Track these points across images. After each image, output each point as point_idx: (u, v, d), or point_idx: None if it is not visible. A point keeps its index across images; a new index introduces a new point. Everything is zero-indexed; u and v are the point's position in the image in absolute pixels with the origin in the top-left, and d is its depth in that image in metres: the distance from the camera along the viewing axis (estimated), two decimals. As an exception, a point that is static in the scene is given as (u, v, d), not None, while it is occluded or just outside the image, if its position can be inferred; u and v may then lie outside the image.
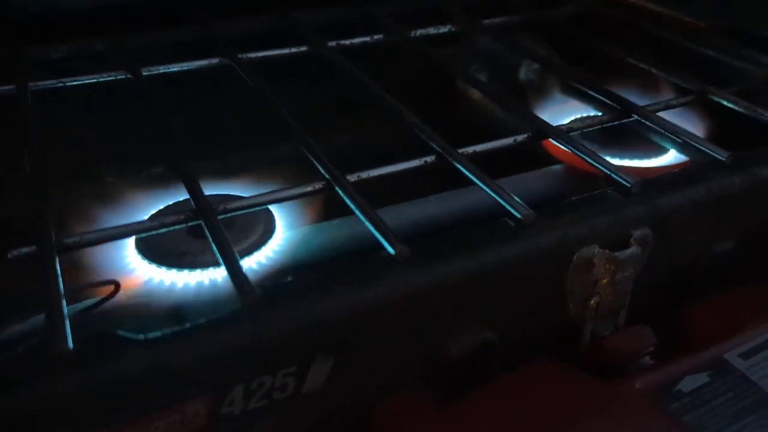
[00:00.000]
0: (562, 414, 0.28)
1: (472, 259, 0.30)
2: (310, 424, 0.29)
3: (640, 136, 0.46)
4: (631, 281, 0.33)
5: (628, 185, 0.34)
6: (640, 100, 0.46)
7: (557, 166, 0.49)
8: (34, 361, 0.24)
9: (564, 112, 0.52)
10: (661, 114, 0.43)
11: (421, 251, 0.30)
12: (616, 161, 0.47)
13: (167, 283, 0.36)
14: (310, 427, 0.30)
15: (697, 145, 0.38)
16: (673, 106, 0.44)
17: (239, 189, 0.41)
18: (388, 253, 0.29)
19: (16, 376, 0.23)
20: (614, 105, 0.43)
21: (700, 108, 0.46)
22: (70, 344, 0.24)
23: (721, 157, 0.37)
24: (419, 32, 0.54)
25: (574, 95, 0.51)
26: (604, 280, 0.33)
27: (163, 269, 0.36)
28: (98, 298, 0.32)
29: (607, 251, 0.32)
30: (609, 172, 0.35)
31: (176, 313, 0.37)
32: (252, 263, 0.37)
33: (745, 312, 0.34)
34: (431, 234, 0.33)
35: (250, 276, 0.35)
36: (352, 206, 0.33)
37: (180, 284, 0.35)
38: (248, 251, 0.38)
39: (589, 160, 0.36)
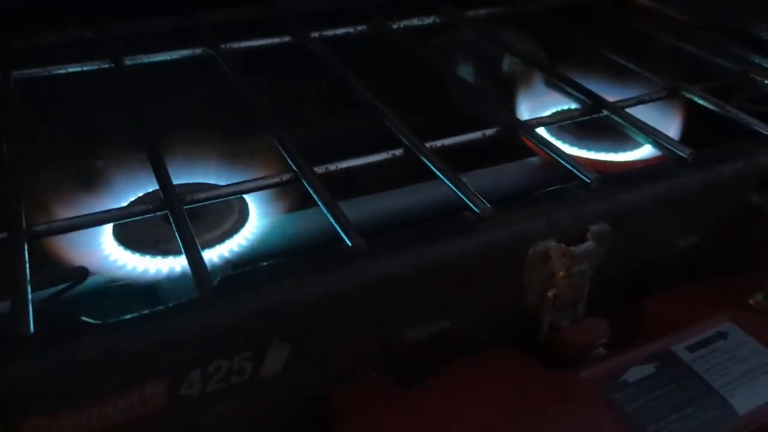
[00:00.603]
0: (509, 401, 0.29)
1: (427, 251, 0.31)
2: (269, 407, 0.31)
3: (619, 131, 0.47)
4: (588, 275, 0.34)
5: (588, 181, 0.35)
6: (617, 94, 0.47)
7: (534, 158, 0.50)
8: (-4, 343, 0.25)
9: (545, 105, 0.53)
10: (636, 108, 0.44)
11: (378, 243, 0.31)
12: (591, 154, 0.48)
13: (140, 268, 0.37)
14: (269, 411, 0.31)
15: (661, 142, 0.39)
16: (645, 101, 0.45)
17: (214, 177, 0.42)
18: (346, 244, 0.30)
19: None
20: (586, 100, 0.44)
21: (676, 104, 0.47)
22: (32, 328, 0.25)
23: (683, 155, 0.37)
24: (403, 23, 0.55)
25: (554, 88, 0.52)
26: (561, 273, 0.33)
27: (137, 255, 0.38)
28: (65, 284, 0.33)
29: (563, 245, 0.33)
30: (570, 167, 0.36)
31: (149, 298, 0.38)
32: (224, 251, 0.39)
33: (698, 306, 0.35)
34: (397, 226, 0.34)
35: (218, 264, 0.37)
36: (316, 197, 0.34)
37: (153, 270, 0.37)
38: (221, 239, 0.39)
39: (552, 154, 0.37)
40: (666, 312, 0.34)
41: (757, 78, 0.46)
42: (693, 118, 0.47)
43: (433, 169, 0.36)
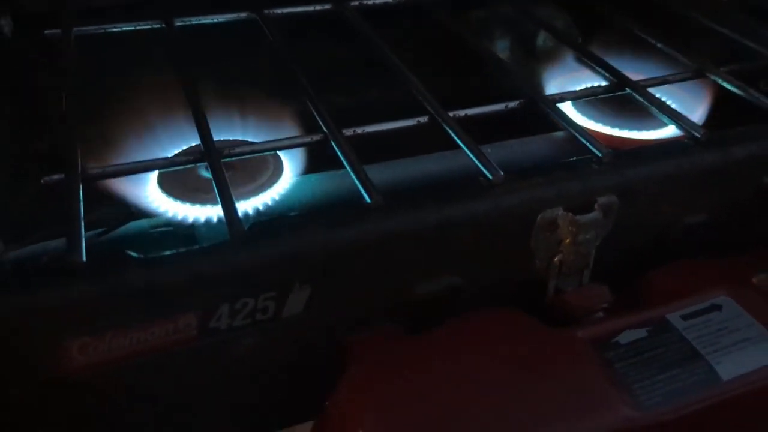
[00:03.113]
0: (507, 354, 0.32)
1: (440, 211, 0.33)
2: (288, 345, 0.34)
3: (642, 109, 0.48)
4: (594, 243, 0.36)
5: (600, 155, 0.37)
6: (646, 72, 0.48)
7: (559, 133, 0.51)
8: (52, 269, 0.29)
9: (575, 80, 0.54)
10: (665, 88, 0.45)
11: (395, 202, 0.33)
12: (614, 131, 0.50)
13: (180, 215, 0.40)
14: (289, 349, 0.34)
15: (678, 121, 0.40)
16: (670, 81, 0.46)
17: (252, 135, 0.45)
18: (365, 201, 0.33)
19: (37, 280, 0.28)
20: (610, 77, 0.45)
21: (705, 85, 0.48)
22: (83, 258, 0.29)
23: (696, 134, 0.39)
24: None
25: (583, 64, 0.53)
26: (567, 240, 0.36)
27: (178, 202, 0.41)
28: (113, 224, 0.36)
29: (570, 214, 0.35)
30: (584, 141, 0.38)
31: (187, 241, 0.42)
32: (258, 203, 0.42)
33: (700, 280, 0.36)
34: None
35: (251, 214, 0.40)
36: (341, 157, 0.36)
37: (191, 217, 0.40)
38: (255, 192, 0.42)
39: (569, 128, 0.39)
40: (668, 283, 0.36)
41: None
42: (720, 101, 0.48)
43: (454, 136, 0.38)
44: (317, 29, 0.55)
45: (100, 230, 0.36)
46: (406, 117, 0.41)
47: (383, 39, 0.49)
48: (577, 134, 0.39)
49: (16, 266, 0.33)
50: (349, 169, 0.35)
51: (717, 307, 0.34)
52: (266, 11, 0.52)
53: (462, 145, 0.37)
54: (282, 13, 0.52)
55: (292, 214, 0.33)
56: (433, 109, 0.40)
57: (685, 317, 0.34)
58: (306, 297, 0.32)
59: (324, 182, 0.45)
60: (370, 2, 0.55)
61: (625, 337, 0.32)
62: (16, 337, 0.28)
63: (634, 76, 0.50)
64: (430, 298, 0.35)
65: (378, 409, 0.31)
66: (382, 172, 0.37)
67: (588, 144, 0.38)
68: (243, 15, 0.52)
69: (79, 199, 0.32)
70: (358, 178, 0.34)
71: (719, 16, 0.54)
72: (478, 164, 0.36)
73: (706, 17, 0.54)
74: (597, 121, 0.50)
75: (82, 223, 0.31)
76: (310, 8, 0.54)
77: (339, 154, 0.37)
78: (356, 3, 0.54)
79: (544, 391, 0.30)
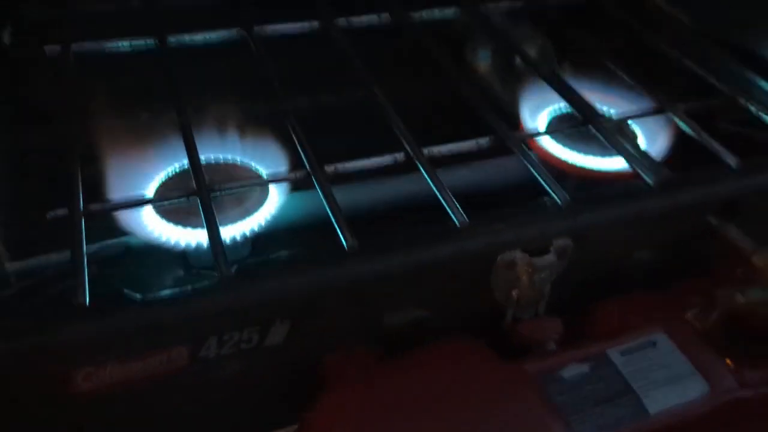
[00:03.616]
0: (459, 384, 0.36)
1: (411, 255, 0.37)
2: (270, 370, 0.38)
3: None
4: (549, 281, 0.40)
5: (559, 202, 0.40)
6: (617, 99, 0.51)
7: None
8: (59, 310, 0.32)
9: (546, 102, 0.57)
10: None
11: (369, 246, 0.37)
12: (581, 157, 0.53)
13: (173, 238, 0.44)
14: (271, 372, 0.38)
15: (633, 163, 0.44)
16: (631, 118, 0.49)
17: (239, 153, 0.48)
18: (342, 245, 0.37)
19: (44, 320, 0.32)
20: (575, 113, 0.49)
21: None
22: (87, 300, 0.32)
23: (649, 181, 0.42)
24: (424, 14, 0.59)
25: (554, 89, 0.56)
26: (524, 278, 0.39)
27: (172, 225, 0.44)
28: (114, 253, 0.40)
29: (527, 256, 0.39)
30: (546, 186, 0.41)
31: (183, 263, 0.45)
32: (246, 228, 0.45)
33: (641, 314, 0.41)
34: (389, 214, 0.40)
35: (240, 240, 0.43)
36: (322, 198, 0.40)
37: (183, 241, 0.43)
38: (242, 215, 0.45)
39: (533, 171, 0.42)
40: (612, 319, 0.40)
41: (743, 103, 0.50)
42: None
43: (426, 177, 0.41)
44: (305, 47, 0.58)
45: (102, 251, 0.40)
46: (385, 145, 0.44)
47: (366, 59, 0.52)
48: (539, 177, 0.42)
49: (24, 298, 0.37)
50: (328, 212, 0.39)
51: (653, 344, 0.38)
52: (256, 28, 0.54)
53: (433, 188, 0.41)
54: (270, 30, 0.55)
55: (274, 256, 0.37)
56: (409, 147, 0.43)
57: (623, 353, 0.38)
58: (286, 329, 0.36)
59: (308, 201, 0.49)
60: (356, 20, 0.57)
61: (569, 372, 0.37)
62: (28, 370, 0.32)
63: (607, 101, 0.53)
64: (400, 328, 0.39)
65: (347, 424, 0.35)
66: (352, 195, 0.41)
67: (549, 189, 0.41)
68: (233, 32, 0.54)
69: (82, 239, 0.35)
70: (336, 223, 0.37)
71: (687, 48, 0.57)
72: (447, 209, 0.39)
73: (674, 49, 0.57)
74: (564, 146, 0.53)
75: (85, 265, 0.34)
76: (298, 25, 0.56)
77: (320, 192, 0.40)
78: (344, 21, 0.56)
79: (491, 419, 0.35)
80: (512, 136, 0.45)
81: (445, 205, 0.39)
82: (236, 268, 0.35)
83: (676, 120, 0.48)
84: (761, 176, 0.44)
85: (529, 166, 0.43)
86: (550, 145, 0.52)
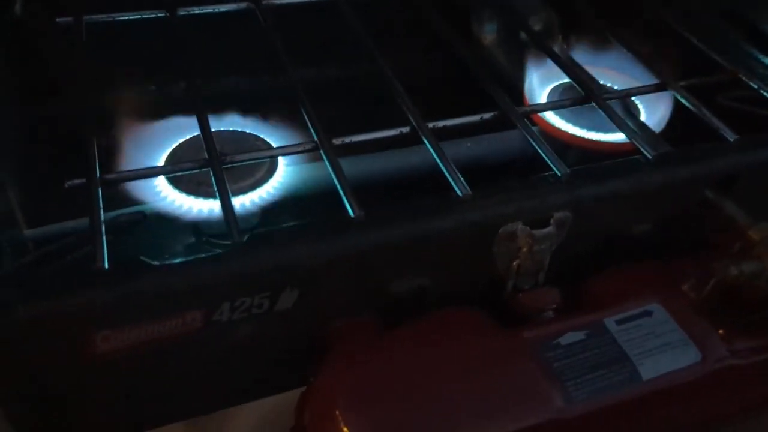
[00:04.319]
0: (459, 351, 0.38)
1: (414, 226, 0.38)
2: (280, 333, 0.39)
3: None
4: (548, 252, 0.42)
5: (559, 174, 0.41)
6: (622, 73, 0.52)
7: (534, 128, 0.56)
8: (79, 275, 0.34)
9: (552, 75, 0.58)
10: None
11: (374, 217, 0.38)
12: (584, 132, 0.54)
13: (186, 207, 0.45)
14: (280, 336, 0.40)
15: (634, 138, 0.45)
16: (633, 95, 0.50)
17: (249, 126, 0.49)
18: (349, 215, 0.38)
19: (65, 285, 0.33)
20: (578, 87, 0.49)
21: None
22: (106, 265, 0.34)
23: (647, 155, 0.43)
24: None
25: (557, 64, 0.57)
26: (524, 249, 0.41)
27: (185, 195, 0.46)
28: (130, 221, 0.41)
29: (528, 228, 0.40)
30: (546, 160, 0.42)
31: (195, 230, 0.47)
32: (256, 197, 0.46)
33: (638, 285, 0.42)
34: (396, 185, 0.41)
35: (251, 209, 0.44)
36: (330, 169, 0.41)
37: (196, 209, 0.45)
38: (254, 186, 0.47)
39: (534, 144, 0.43)
40: (609, 289, 0.42)
41: (744, 79, 0.51)
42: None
43: (431, 150, 0.42)
44: (313, 19, 0.58)
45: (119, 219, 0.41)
46: (392, 117, 0.45)
47: (374, 32, 0.52)
48: (539, 149, 0.43)
49: (43, 264, 0.38)
50: (336, 183, 0.40)
51: (648, 313, 0.40)
52: (264, 2, 0.55)
53: (437, 160, 0.42)
54: (278, 3, 0.56)
55: (284, 225, 0.38)
56: (414, 121, 0.44)
57: (619, 322, 0.39)
58: (296, 296, 0.38)
59: (317, 172, 0.50)
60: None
61: (566, 339, 0.38)
62: (50, 333, 0.34)
63: (610, 75, 0.54)
64: (403, 296, 0.40)
65: (352, 387, 0.37)
66: (360, 166, 0.42)
67: (549, 162, 0.42)
68: (243, 5, 0.55)
69: (99, 206, 0.37)
70: (344, 194, 0.39)
71: (691, 22, 0.57)
72: (450, 180, 0.40)
73: (679, 23, 0.57)
74: (568, 121, 0.54)
75: (103, 228, 0.36)
76: (306, -2, 0.57)
77: (327, 164, 0.41)
78: (350, -6, 0.57)
79: (490, 385, 0.36)
80: (515, 111, 0.46)
81: (448, 177, 0.41)
82: (248, 237, 0.36)
83: (677, 96, 0.49)
84: (758, 151, 0.45)
85: (531, 139, 0.44)
86: (553, 118, 0.53)
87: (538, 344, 0.38)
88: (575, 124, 0.54)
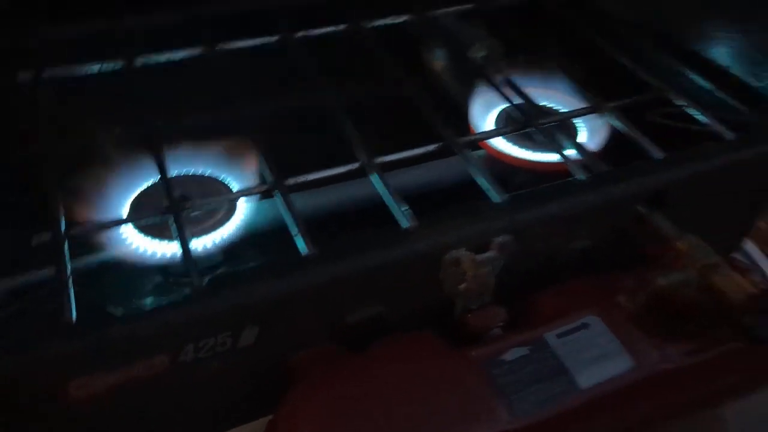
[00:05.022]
0: (414, 372, 0.40)
1: (363, 259, 0.41)
2: (244, 369, 0.42)
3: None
4: (492, 274, 0.45)
5: (498, 201, 0.44)
6: (561, 95, 0.55)
7: (481, 152, 0.59)
8: (49, 328, 0.36)
9: (496, 101, 0.61)
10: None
11: (327, 252, 0.41)
12: (528, 153, 0.57)
13: (150, 251, 0.47)
14: (244, 371, 0.42)
15: (569, 162, 0.48)
16: (569, 118, 0.53)
17: (209, 167, 0.52)
18: (302, 252, 0.41)
19: (36, 339, 0.35)
20: (517, 115, 0.53)
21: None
22: (74, 317, 0.36)
23: (582, 177, 0.46)
24: (378, 22, 0.63)
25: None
26: (469, 274, 0.44)
27: (149, 238, 0.48)
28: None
29: (471, 254, 0.43)
30: (485, 187, 0.45)
31: (161, 271, 0.49)
32: (218, 237, 0.49)
33: (577, 300, 0.45)
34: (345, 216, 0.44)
35: (212, 249, 0.47)
36: (281, 209, 0.44)
37: (159, 253, 0.47)
38: (215, 226, 0.49)
39: (475, 173, 0.47)
40: (550, 303, 0.45)
41: (672, 98, 0.54)
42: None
43: (377, 184, 0.45)
44: (267, 61, 0.61)
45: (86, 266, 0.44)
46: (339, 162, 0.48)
47: (326, 69, 0.55)
48: (478, 177, 0.46)
49: (12, 317, 0.41)
50: (289, 223, 0.43)
51: (585, 326, 0.43)
52: (218, 47, 0.58)
53: (383, 194, 0.45)
54: (232, 48, 0.58)
55: (242, 267, 0.41)
56: (362, 156, 0.47)
57: (559, 335, 0.42)
58: (256, 332, 0.40)
59: (275, 209, 0.53)
60: (314, 33, 0.60)
61: (511, 355, 0.41)
62: (22, 382, 0.36)
63: (551, 99, 0.57)
64: (361, 324, 0.43)
65: (314, 414, 0.39)
66: (312, 199, 0.45)
67: (487, 189, 0.45)
68: (197, 51, 0.58)
69: (66, 262, 0.39)
70: (299, 231, 0.41)
71: (624, 44, 0.61)
72: (396, 215, 0.43)
73: (612, 45, 0.61)
74: (517, 144, 0.57)
75: (71, 285, 0.38)
76: (257, 41, 0.59)
77: (280, 205, 0.44)
78: (301, 34, 0.60)
79: (442, 404, 0.39)
80: (456, 143, 0.49)
81: (394, 210, 0.43)
82: (207, 280, 0.39)
83: (609, 119, 0.52)
84: (683, 167, 0.48)
85: (471, 168, 0.47)
86: (500, 143, 0.57)
87: (485, 362, 0.41)
88: (522, 146, 0.57)
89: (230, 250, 0.49)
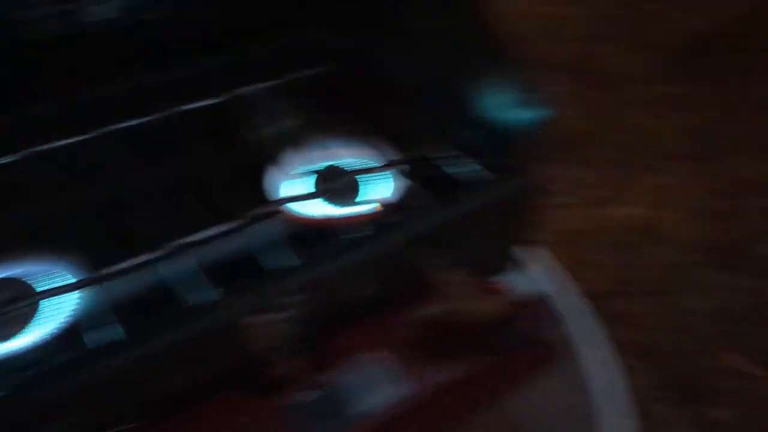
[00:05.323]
0: (229, 424, 0.46)
1: (174, 335, 0.47)
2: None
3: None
4: (293, 329, 0.51)
5: (296, 265, 0.51)
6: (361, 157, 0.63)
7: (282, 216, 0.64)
8: None
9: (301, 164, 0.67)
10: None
11: (138, 335, 0.46)
12: (332, 209, 0.64)
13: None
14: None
15: (351, 221, 0.55)
16: (364, 173, 0.61)
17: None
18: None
19: None
20: (311, 183, 0.60)
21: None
22: None
23: (368, 232, 0.54)
24: (188, 107, 0.68)
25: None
26: (270, 332, 0.50)
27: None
28: None
29: (266, 316, 0.49)
30: (278, 254, 0.52)
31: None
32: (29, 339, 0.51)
33: (362, 339, 0.52)
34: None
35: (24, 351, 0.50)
36: (94, 298, 0.48)
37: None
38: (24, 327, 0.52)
39: (272, 240, 0.53)
40: (341, 345, 0.52)
41: (446, 150, 0.63)
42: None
43: (183, 267, 0.51)
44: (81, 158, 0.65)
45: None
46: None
47: (142, 156, 0.61)
48: (276, 247, 0.53)
49: None
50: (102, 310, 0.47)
51: (372, 359, 0.50)
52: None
53: (189, 274, 0.50)
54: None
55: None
56: (166, 241, 0.53)
57: (346, 373, 0.49)
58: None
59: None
60: (123, 126, 0.65)
61: (306, 397, 0.48)
62: None
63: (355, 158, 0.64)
64: (180, 392, 0.48)
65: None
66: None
67: (282, 256, 0.52)
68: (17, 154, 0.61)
69: None
70: (110, 321, 0.46)
71: (407, 103, 0.70)
72: (198, 290, 0.49)
73: (397, 106, 0.69)
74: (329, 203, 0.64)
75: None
76: (73, 140, 0.64)
77: (91, 298, 0.49)
78: (113, 128, 0.65)
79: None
80: (261, 215, 0.56)
81: (195, 287, 0.49)
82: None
83: (394, 173, 0.60)
84: (449, 212, 0.57)
85: (268, 237, 0.54)
86: (301, 206, 0.63)
87: (286, 406, 0.47)
88: (329, 203, 0.64)
89: (46, 348, 0.52)
